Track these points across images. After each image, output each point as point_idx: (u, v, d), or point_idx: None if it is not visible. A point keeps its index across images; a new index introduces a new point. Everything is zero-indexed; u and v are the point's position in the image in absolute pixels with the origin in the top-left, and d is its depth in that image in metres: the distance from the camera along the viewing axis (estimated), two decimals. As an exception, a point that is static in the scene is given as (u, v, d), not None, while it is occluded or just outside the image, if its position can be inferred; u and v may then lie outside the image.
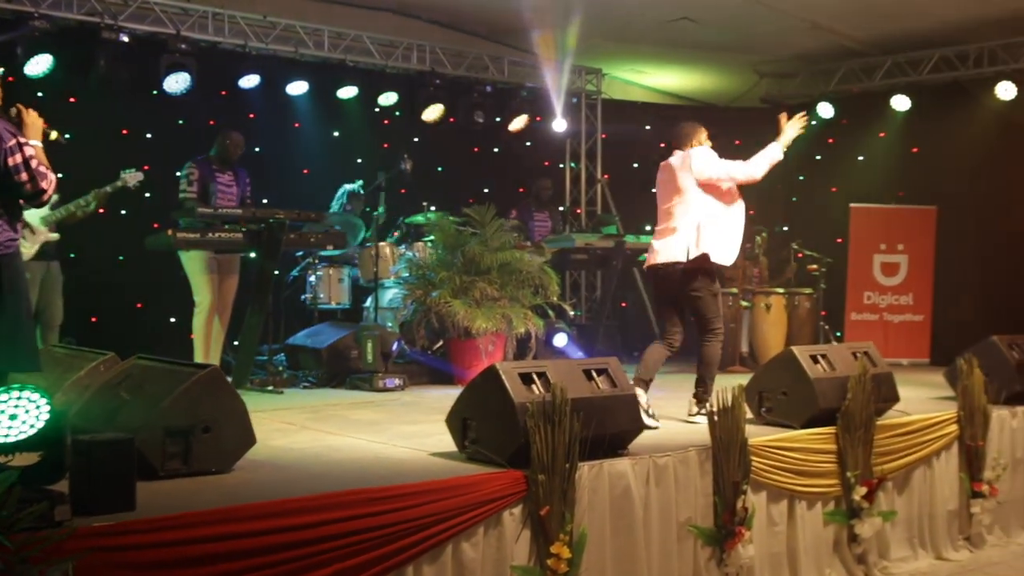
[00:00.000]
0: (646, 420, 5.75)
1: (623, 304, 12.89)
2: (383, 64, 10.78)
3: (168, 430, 4.45)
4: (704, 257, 6.47)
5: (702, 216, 6.56)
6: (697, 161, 6.67)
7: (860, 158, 12.37)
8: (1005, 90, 10.56)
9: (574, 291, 12.81)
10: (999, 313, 10.52)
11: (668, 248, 6.63)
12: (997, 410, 7.13)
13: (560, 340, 9.36)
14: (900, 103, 11.52)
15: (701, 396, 6.48)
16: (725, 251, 6.54)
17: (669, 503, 5.24)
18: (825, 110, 12.01)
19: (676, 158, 6.92)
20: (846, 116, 12.13)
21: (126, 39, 9.05)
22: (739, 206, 6.70)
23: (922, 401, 7.54)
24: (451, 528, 4.38)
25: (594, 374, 5.22)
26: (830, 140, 12.58)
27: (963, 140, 11.03)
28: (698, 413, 6.42)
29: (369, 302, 9.40)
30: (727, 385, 5.60)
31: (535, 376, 4.95)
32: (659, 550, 5.17)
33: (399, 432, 5.99)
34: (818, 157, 12.76)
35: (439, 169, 11.68)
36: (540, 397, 4.80)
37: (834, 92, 12.11)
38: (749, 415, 6.35)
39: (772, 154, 6.80)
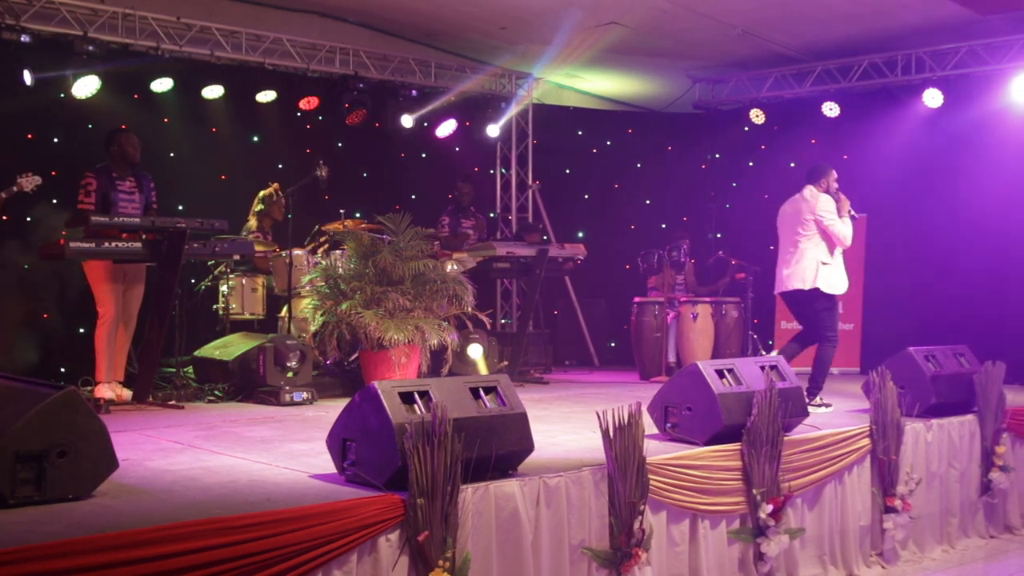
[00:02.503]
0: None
1: (555, 312, 12.75)
2: (304, 67, 10.54)
3: (19, 455, 4.19)
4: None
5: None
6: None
7: (792, 164, 12.27)
8: (932, 97, 10.53)
9: (505, 299, 12.65)
10: (929, 321, 10.49)
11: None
12: (911, 423, 7.03)
13: (475, 351, 9.15)
14: (830, 109, 11.45)
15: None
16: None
17: (561, 525, 5.05)
18: (757, 116, 11.91)
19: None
20: (777, 122, 12.05)
21: (28, 40, 8.74)
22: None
23: (837, 414, 7.43)
24: (320, 556, 4.17)
25: (482, 392, 5.02)
26: (762, 146, 12.52)
27: (892, 147, 10.97)
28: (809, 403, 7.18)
29: (284, 312, 9.16)
30: (635, 398, 5.44)
31: (417, 395, 4.75)
32: (550, 574, 4.98)
33: (288, 451, 5.77)
34: (750, 163, 12.69)
35: (364, 175, 11.46)
36: (420, 417, 4.60)
37: (766, 98, 12.03)
38: (656, 431, 6.25)
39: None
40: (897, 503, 6.74)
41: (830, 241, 8.06)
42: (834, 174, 8.22)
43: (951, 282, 10.42)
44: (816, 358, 8.04)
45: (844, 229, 8.04)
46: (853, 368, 11.15)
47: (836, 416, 7.30)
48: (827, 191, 8.15)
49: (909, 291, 11.08)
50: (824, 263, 8.03)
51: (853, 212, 8.16)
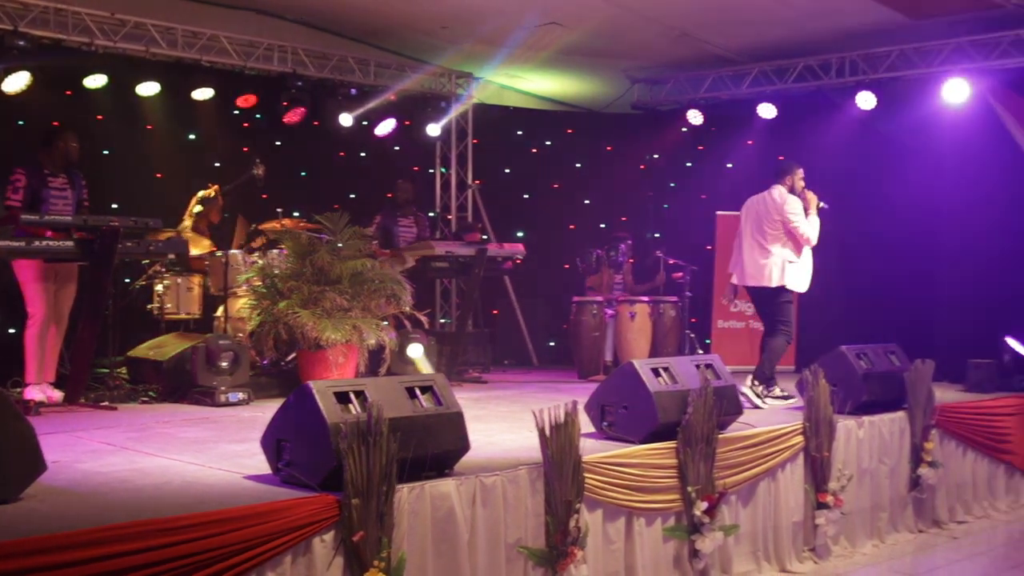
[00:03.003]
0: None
1: (494, 312, 12.76)
2: (242, 65, 10.44)
3: (-59, 458, 4.13)
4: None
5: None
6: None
7: (728, 165, 12.42)
8: (865, 100, 10.68)
9: (444, 299, 12.64)
10: (861, 320, 10.64)
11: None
12: (843, 420, 7.14)
13: (415, 351, 9.14)
14: (766, 111, 11.57)
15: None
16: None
17: (497, 524, 5.07)
18: (695, 117, 12.01)
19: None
20: (715, 123, 12.17)
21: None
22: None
23: (772, 412, 7.53)
24: (254, 558, 4.14)
25: (418, 392, 5.02)
26: (700, 147, 12.63)
27: (828, 148, 11.10)
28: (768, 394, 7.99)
29: (220, 312, 9.08)
30: (572, 397, 5.46)
31: (352, 395, 4.74)
32: (486, 573, 5.00)
33: (223, 452, 5.73)
34: (688, 164, 12.81)
35: (302, 174, 11.38)
36: (356, 417, 4.59)
37: (703, 99, 12.14)
38: (592, 429, 6.28)
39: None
40: (829, 499, 6.84)
41: (796, 241, 8.28)
42: (800, 172, 8.47)
43: (883, 282, 10.57)
44: (768, 347, 8.28)
45: (810, 230, 8.27)
46: (788, 367, 11.24)
47: (770, 414, 7.40)
48: (793, 189, 8.40)
49: (843, 291, 11.22)
50: (790, 262, 8.28)
51: (823, 204, 8.39)
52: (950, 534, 7.81)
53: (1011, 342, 9.44)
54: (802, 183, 8.47)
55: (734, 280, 8.64)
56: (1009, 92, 9.73)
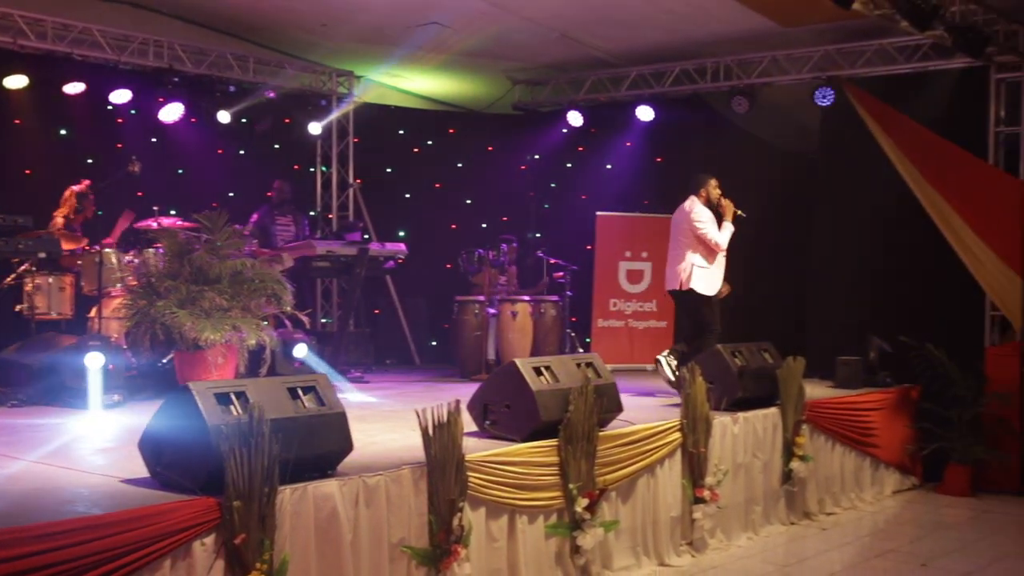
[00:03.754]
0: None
1: (376, 311, 12.72)
2: (115, 59, 10.19)
3: None
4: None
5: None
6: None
7: (608, 166, 12.60)
8: (739, 104, 10.94)
9: (326, 299, 12.54)
10: (736, 319, 10.86)
11: None
12: (719, 417, 7.33)
13: (300, 351, 9.06)
14: (645, 113, 11.77)
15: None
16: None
17: (381, 524, 5.07)
18: (575, 118, 12.15)
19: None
20: (595, 125, 12.33)
21: None
22: None
23: (650, 409, 7.67)
24: (131, 564, 4.07)
25: (300, 392, 4.99)
26: (580, 148, 12.79)
27: (704, 150, 11.35)
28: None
29: (94, 312, 8.84)
30: (455, 397, 5.49)
31: (233, 396, 4.68)
32: (369, 573, 5.00)
33: (97, 455, 5.62)
34: (568, 165, 12.95)
35: (179, 171, 11.15)
36: (237, 418, 4.54)
37: (583, 101, 12.29)
38: (475, 428, 6.32)
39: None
40: (706, 494, 7.03)
41: (707, 247, 8.73)
42: (713, 182, 8.95)
43: (757, 281, 10.83)
44: (697, 348, 8.49)
45: (716, 235, 8.76)
46: (666, 364, 11.49)
47: (648, 411, 7.54)
48: (708, 199, 8.90)
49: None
50: (700, 267, 8.77)
51: (740, 212, 8.85)
52: (820, 526, 8.08)
53: (876, 340, 9.79)
54: (717, 192, 8.93)
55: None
56: (874, 100, 10.09)
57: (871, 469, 9.05)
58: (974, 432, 9.21)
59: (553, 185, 13.16)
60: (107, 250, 8.80)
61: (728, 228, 8.83)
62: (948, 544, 7.55)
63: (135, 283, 8.24)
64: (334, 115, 12.35)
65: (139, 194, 9.95)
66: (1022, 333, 9.40)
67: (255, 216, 10.39)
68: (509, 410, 6.18)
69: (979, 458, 9.19)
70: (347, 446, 5.09)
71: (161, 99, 10.53)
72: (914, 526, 8.25)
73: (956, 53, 9.32)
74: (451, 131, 13.35)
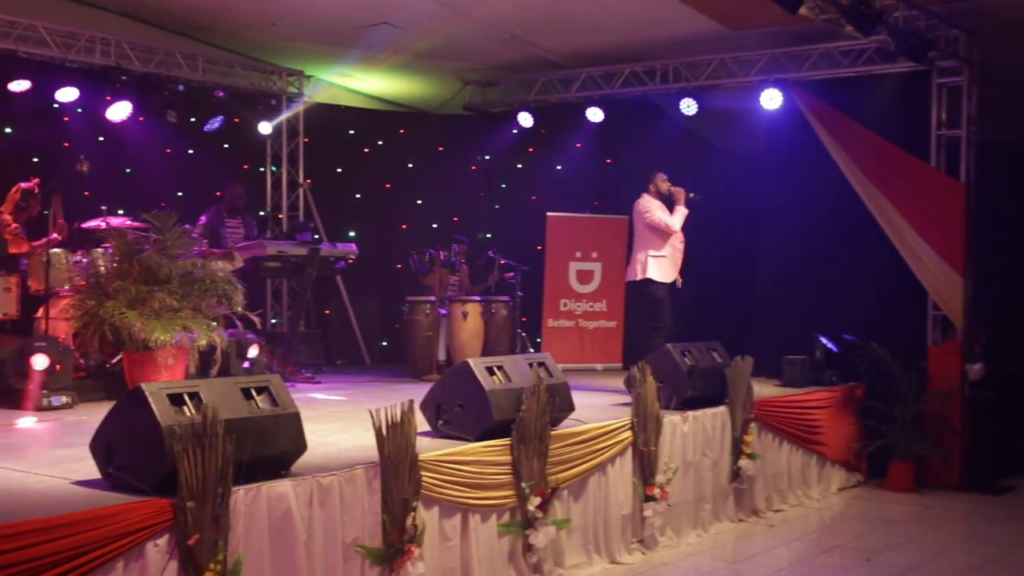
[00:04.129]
0: None
1: (326, 312, 12.69)
2: (62, 57, 10.08)
3: None
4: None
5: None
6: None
7: (558, 167, 12.67)
8: (688, 106, 11.05)
9: (276, 299, 12.48)
10: (686, 319, 10.97)
11: None
12: (669, 415, 7.41)
13: (253, 352, 9.02)
14: (594, 115, 11.85)
15: None
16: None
17: (334, 524, 5.08)
18: (525, 119, 12.21)
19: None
20: (545, 126, 12.38)
21: None
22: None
23: (601, 408, 7.74)
24: (84, 565, 4.06)
25: (253, 393, 4.99)
26: (530, 149, 12.85)
27: (652, 152, 11.44)
28: None
29: (41, 313, 8.74)
30: (407, 397, 5.51)
31: (186, 397, 4.68)
32: (323, 573, 5.01)
33: (48, 457, 5.56)
34: (519, 166, 13.01)
35: (127, 171, 11.05)
36: (190, 419, 4.54)
37: (534, 102, 12.35)
38: (428, 428, 6.35)
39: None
40: (656, 492, 7.11)
41: (660, 234, 9.41)
42: (661, 175, 9.70)
43: (706, 282, 10.92)
44: (648, 347, 8.70)
45: (666, 218, 9.45)
46: (616, 364, 11.61)
47: (600, 410, 7.60)
48: (659, 193, 9.60)
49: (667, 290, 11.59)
50: (654, 255, 9.45)
51: (692, 194, 9.58)
52: (767, 522, 8.21)
53: (822, 339, 9.95)
54: (666, 184, 9.61)
55: None
56: (820, 103, 10.25)
57: (817, 466, 9.19)
58: (917, 429, 9.40)
59: (504, 186, 13.22)
60: (55, 250, 8.71)
61: (680, 211, 9.45)
62: (892, 539, 7.70)
63: (83, 283, 8.16)
64: (284, 115, 12.31)
65: (87, 194, 9.84)
66: (963, 332, 9.59)
67: (204, 218, 10.32)
68: (462, 410, 6.22)
69: (921, 455, 9.38)
70: (301, 446, 5.10)
71: (109, 97, 10.41)
72: (859, 522, 8.40)
73: (899, 57, 9.49)
74: (402, 131, 13.35)
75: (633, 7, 10.05)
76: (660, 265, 9.43)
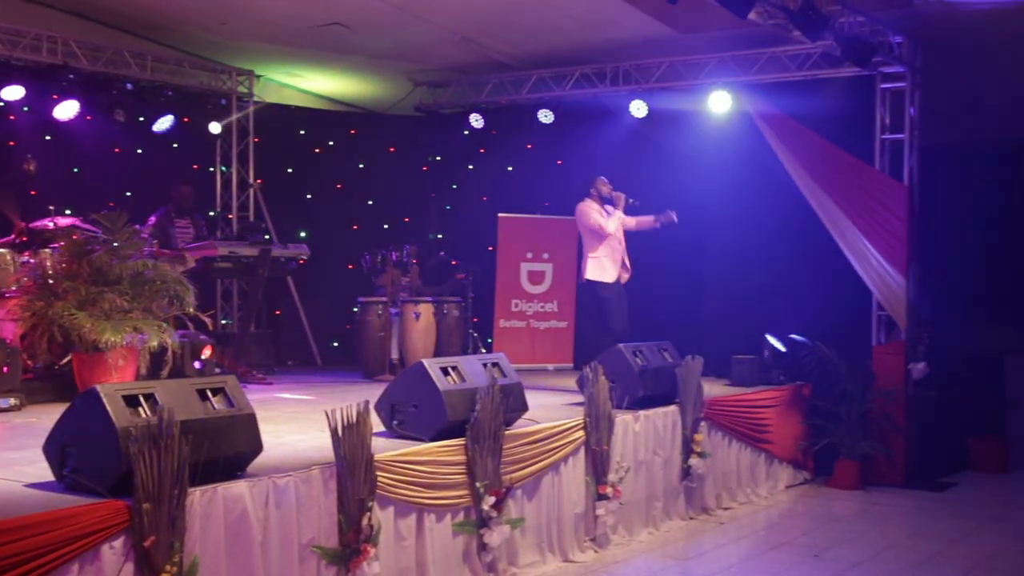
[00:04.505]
0: None
1: (277, 312, 12.64)
2: (7, 55, 9.95)
3: None
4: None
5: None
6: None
7: (509, 168, 12.72)
8: (638, 108, 11.15)
9: (226, 300, 12.41)
10: (636, 319, 11.07)
11: None
12: (621, 415, 7.49)
13: (206, 353, 8.97)
14: (545, 116, 11.91)
15: None
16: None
17: (291, 524, 5.10)
18: (476, 120, 12.24)
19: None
20: (496, 127, 12.42)
21: None
22: None
23: (554, 408, 7.80)
24: (39, 568, 4.04)
25: (209, 394, 4.99)
26: (481, 150, 12.88)
27: (603, 153, 11.53)
28: None
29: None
30: (360, 397, 5.53)
31: (142, 398, 4.67)
32: (279, 574, 5.02)
33: (-3, 460, 5.50)
34: (470, 167, 13.03)
35: (75, 171, 10.93)
36: (146, 421, 4.53)
37: (485, 103, 12.38)
38: (382, 428, 6.37)
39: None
40: (608, 490, 7.18)
41: (597, 236, 9.74)
42: (601, 179, 9.99)
43: (655, 282, 10.99)
44: (597, 347, 8.81)
45: (599, 220, 9.75)
46: (567, 364, 11.70)
47: (553, 410, 7.67)
48: (600, 196, 9.91)
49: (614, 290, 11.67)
50: (593, 256, 9.80)
51: (631, 200, 9.91)
52: (717, 520, 8.32)
53: (770, 339, 10.09)
54: (607, 187, 9.90)
55: None
56: (768, 105, 10.38)
57: (765, 464, 9.33)
58: (862, 428, 9.56)
59: (455, 186, 13.24)
60: (0, 250, 8.60)
61: (617, 215, 9.78)
62: (839, 535, 7.84)
63: (31, 284, 8.07)
64: (234, 115, 12.25)
65: (32, 193, 9.73)
66: (907, 332, 9.78)
67: (153, 218, 10.25)
68: (417, 410, 6.25)
69: (866, 453, 9.54)
70: (257, 447, 5.10)
71: (56, 96, 10.30)
72: (807, 519, 8.53)
73: (844, 62, 9.65)
74: (352, 132, 13.33)
75: (585, 10, 10.12)
76: (599, 265, 9.75)
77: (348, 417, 5.33)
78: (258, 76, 12.44)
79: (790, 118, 10.28)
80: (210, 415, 4.88)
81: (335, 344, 12.91)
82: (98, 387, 4.61)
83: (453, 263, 11.55)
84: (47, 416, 7.18)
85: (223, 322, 12.15)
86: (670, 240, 11.01)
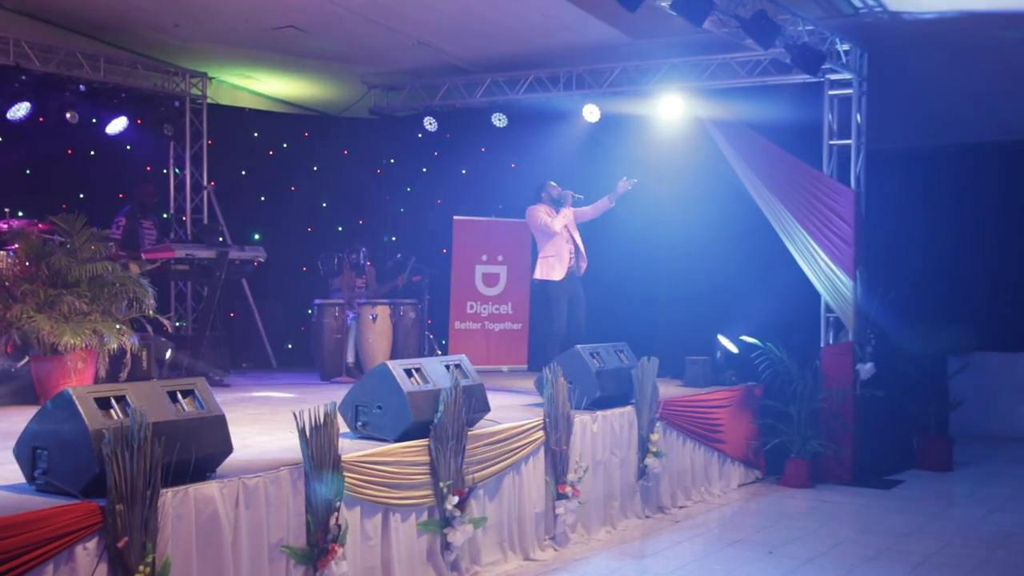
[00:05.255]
0: None
1: (231, 315, 12.61)
2: (-42, 56, 9.87)
3: None
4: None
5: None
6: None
7: (463, 171, 12.80)
8: (591, 112, 11.29)
9: (180, 302, 12.36)
10: (592, 321, 11.20)
11: None
12: (579, 415, 7.61)
13: (168, 354, 8.97)
14: (499, 120, 12.00)
15: None
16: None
17: (260, 525, 5.15)
18: (430, 123, 12.30)
19: None
20: (450, 130, 12.49)
21: None
22: None
23: (514, 408, 7.89)
24: (12, 571, 4.07)
25: (179, 396, 5.03)
26: (435, 153, 12.94)
27: (556, 157, 11.66)
28: None
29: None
30: (328, 399, 5.59)
31: (113, 400, 4.70)
32: (249, 574, 5.07)
33: (-37, 463, 5.47)
34: (424, 170, 13.10)
35: (27, 172, 10.85)
36: (118, 422, 4.56)
37: (439, 106, 12.44)
38: (346, 429, 6.43)
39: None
40: (568, 490, 7.29)
41: (546, 237, 10.27)
42: (551, 184, 10.52)
43: (610, 284, 11.13)
44: (542, 345, 8.90)
45: (545, 219, 10.25)
46: (521, 365, 11.80)
47: (513, 411, 7.76)
48: (550, 199, 10.41)
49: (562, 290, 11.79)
50: (543, 256, 10.28)
51: (577, 195, 10.41)
52: (673, 518, 8.47)
53: (723, 340, 10.27)
54: (557, 189, 10.36)
55: None
56: (719, 111, 10.56)
57: (719, 463, 9.50)
58: (812, 427, 9.76)
59: (409, 189, 13.30)
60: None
61: (564, 213, 10.25)
62: (791, 532, 8.01)
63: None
64: (187, 116, 12.21)
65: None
66: (855, 333, 10.01)
67: (122, 219, 10.21)
68: (381, 411, 6.31)
69: (816, 451, 9.73)
70: (227, 448, 5.15)
71: (8, 97, 10.21)
72: (759, 516, 8.70)
73: (793, 69, 9.85)
74: (306, 134, 13.35)
75: (538, 15, 10.23)
76: (547, 265, 10.21)
77: (316, 418, 5.39)
78: (211, 78, 12.41)
79: (741, 123, 10.47)
80: (181, 417, 4.92)
81: (290, 346, 12.91)
82: (70, 389, 4.63)
83: (412, 262, 11.57)
84: (5, 418, 7.19)
85: (178, 324, 12.09)
86: (624, 242, 11.18)
